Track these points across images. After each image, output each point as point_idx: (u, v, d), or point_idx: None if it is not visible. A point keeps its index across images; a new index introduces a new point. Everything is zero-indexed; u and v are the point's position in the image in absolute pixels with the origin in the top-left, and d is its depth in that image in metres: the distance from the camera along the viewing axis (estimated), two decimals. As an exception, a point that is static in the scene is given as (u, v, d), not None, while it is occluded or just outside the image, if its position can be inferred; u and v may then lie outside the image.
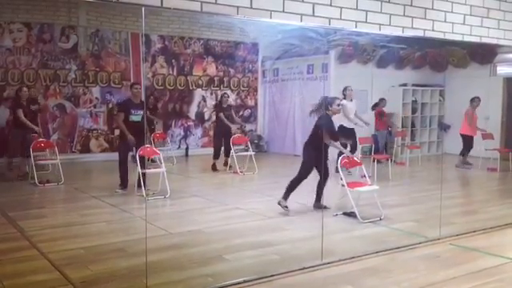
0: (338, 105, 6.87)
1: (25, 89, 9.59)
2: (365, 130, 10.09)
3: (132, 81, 12.26)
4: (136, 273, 4.32)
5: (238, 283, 4.16)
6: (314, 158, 6.56)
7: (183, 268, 4.59)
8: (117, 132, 12.12)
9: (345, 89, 9.50)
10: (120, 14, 12.26)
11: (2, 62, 11.14)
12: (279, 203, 6.75)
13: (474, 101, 11.00)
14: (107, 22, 12.28)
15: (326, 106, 6.80)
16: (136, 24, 12.29)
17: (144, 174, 7.64)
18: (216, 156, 10.66)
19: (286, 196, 6.76)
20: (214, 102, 13.65)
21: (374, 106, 11.56)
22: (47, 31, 11.62)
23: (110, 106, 12.37)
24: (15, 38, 11.28)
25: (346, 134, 8.85)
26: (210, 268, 4.57)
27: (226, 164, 10.65)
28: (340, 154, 7.07)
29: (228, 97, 11.27)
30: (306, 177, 6.73)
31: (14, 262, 4.72)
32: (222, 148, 10.69)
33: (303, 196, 6.94)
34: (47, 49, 11.64)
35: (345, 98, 9.22)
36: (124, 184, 8.13)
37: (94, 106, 12.33)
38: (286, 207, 6.72)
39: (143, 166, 7.68)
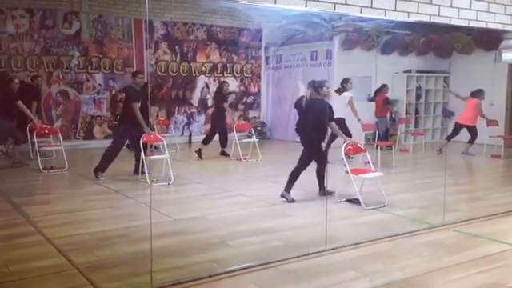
0: (327, 87, 6.81)
1: (16, 80, 9.46)
2: (368, 117, 10.03)
3: (135, 67, 12.25)
4: (140, 258, 4.33)
5: (243, 269, 4.17)
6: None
7: (187, 254, 4.60)
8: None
9: (347, 81, 9.17)
10: (122, -1, 12.21)
11: (4, 49, 11.12)
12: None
13: (480, 93, 10.72)
14: (110, 7, 12.21)
15: (316, 90, 6.76)
16: (139, 10, 12.24)
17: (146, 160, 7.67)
18: (206, 142, 10.46)
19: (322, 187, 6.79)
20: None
21: (377, 92, 11.49)
22: (50, 17, 11.57)
23: (113, 92, 12.37)
24: (18, 24, 11.24)
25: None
26: (214, 254, 4.59)
27: (223, 154, 10.57)
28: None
29: (228, 85, 11.16)
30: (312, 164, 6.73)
31: (19, 247, 4.75)
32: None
33: (307, 182, 6.94)
34: (50, 35, 11.60)
35: (346, 90, 9.06)
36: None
37: (98, 93, 12.32)
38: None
39: (146, 153, 7.70)
